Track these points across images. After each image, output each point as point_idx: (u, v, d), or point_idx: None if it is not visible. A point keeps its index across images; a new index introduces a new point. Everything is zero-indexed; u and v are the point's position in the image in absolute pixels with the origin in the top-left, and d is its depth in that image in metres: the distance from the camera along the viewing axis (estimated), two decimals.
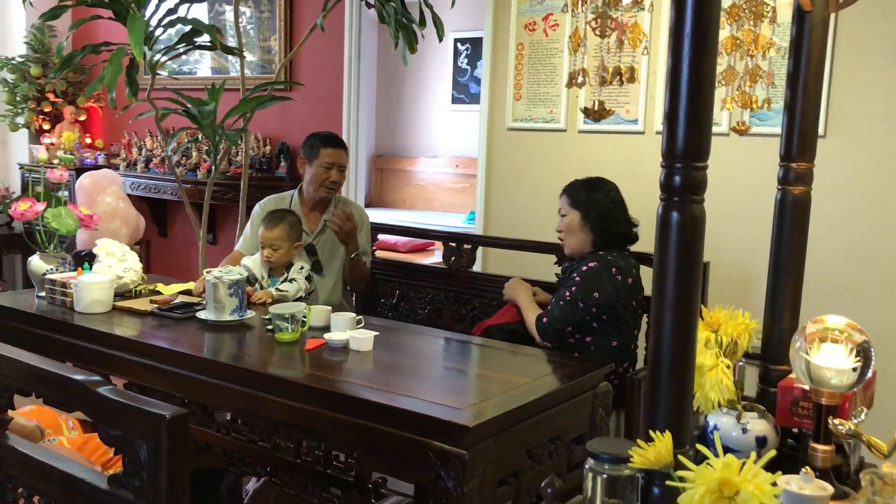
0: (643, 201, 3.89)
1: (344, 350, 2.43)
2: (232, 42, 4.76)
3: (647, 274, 3.13)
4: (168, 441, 1.18)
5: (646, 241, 3.71)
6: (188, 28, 3.45)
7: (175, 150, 4.74)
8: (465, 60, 7.84)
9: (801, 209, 1.67)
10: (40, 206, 2.87)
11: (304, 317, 2.60)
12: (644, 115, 3.83)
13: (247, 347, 2.54)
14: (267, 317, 2.62)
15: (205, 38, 3.53)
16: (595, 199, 2.86)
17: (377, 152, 8.38)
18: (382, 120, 8.35)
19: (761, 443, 1.43)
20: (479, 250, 3.98)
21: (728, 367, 1.39)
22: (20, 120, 5.86)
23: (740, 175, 3.58)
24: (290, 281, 3.10)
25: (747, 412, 1.44)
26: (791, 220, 1.66)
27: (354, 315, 2.62)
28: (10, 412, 2.42)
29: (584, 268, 2.77)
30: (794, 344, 1.34)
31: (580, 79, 1.23)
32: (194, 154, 5.20)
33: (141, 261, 5.66)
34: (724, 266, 3.51)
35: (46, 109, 5.88)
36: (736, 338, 1.43)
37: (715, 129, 3.53)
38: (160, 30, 3.38)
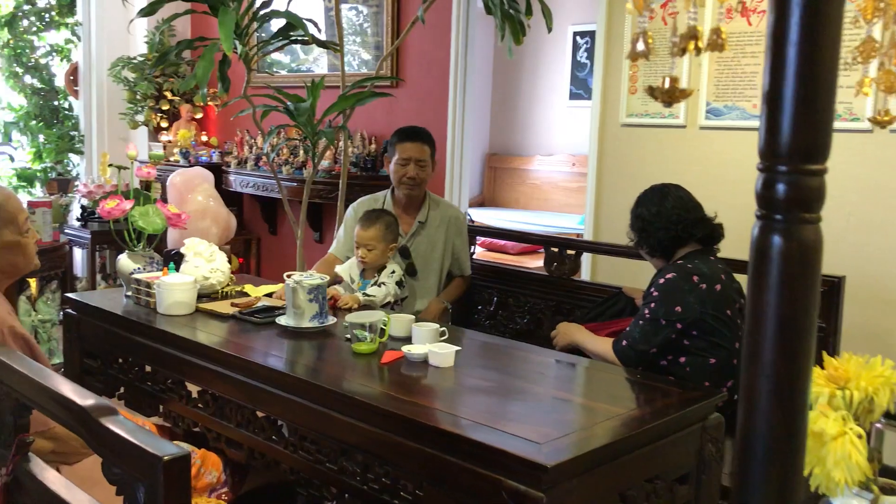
0: None
1: (423, 365, 2.24)
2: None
3: (745, 283, 2.79)
4: (165, 485, 1.01)
5: None
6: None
7: (273, 148, 4.68)
8: (585, 55, 7.51)
9: None
10: (128, 205, 2.82)
11: (384, 325, 2.42)
12: None
13: (321, 359, 2.38)
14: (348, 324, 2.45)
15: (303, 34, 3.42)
16: (636, 215, 2.69)
17: (491, 150, 8.17)
18: (497, 117, 8.13)
19: None
20: (586, 256, 3.71)
21: (860, 435, 1.07)
22: (140, 118, 6.00)
23: (887, 177, 3.15)
24: (380, 285, 2.94)
25: (887, 495, 1.12)
26: None
27: (437, 326, 2.42)
28: None
29: (662, 280, 2.51)
30: None
31: (640, 45, 0.97)
32: (301, 152, 5.15)
33: (251, 258, 5.69)
34: (863, 283, 3.10)
35: (164, 107, 6.00)
36: (872, 393, 1.11)
37: (852, 124, 3.15)
38: (255, 24, 3.29)
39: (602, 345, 2.62)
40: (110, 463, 1.10)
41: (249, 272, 5.90)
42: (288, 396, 2.13)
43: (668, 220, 2.59)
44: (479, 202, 8.07)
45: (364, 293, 2.91)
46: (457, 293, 3.39)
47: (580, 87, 7.54)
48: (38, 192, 6.44)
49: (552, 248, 3.34)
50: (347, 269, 3.07)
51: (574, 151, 7.51)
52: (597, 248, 3.61)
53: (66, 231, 5.66)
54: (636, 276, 3.23)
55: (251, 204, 5.94)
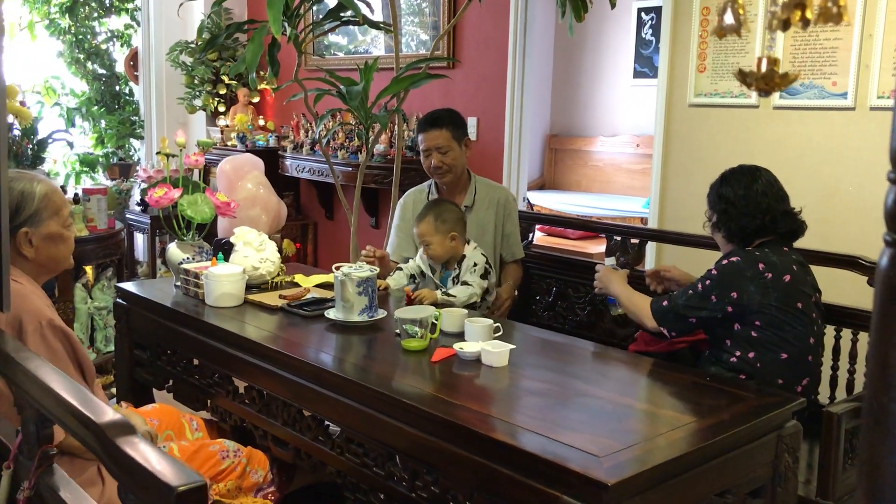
0: (850, 189, 3.28)
1: (476, 363, 2.12)
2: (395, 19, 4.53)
3: (822, 275, 2.58)
4: None
5: (845, 238, 3.12)
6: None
7: (326, 132, 4.59)
8: (650, 31, 7.23)
9: None
10: (176, 193, 2.76)
11: (436, 320, 2.31)
12: (855, 87, 3.20)
13: (370, 356, 2.28)
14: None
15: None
16: (722, 195, 2.45)
17: (552, 131, 7.96)
18: (558, 97, 7.91)
19: None
20: (650, 245, 3.53)
21: None
22: (197, 102, 5.99)
23: None
24: (463, 284, 2.82)
25: None
26: None
27: (491, 322, 2.30)
28: (130, 410, 2.32)
29: (725, 261, 2.36)
30: None
31: (728, 18, 0.82)
32: (356, 137, 5.05)
33: (307, 244, 5.65)
34: None
35: (222, 92, 5.97)
36: None
37: None
38: (305, 5, 3.19)
39: (639, 301, 2.51)
40: (125, 487, 1.01)
41: (306, 257, 5.86)
42: (334, 396, 2.04)
43: (757, 206, 2.39)
44: (540, 185, 7.88)
45: (445, 292, 2.79)
46: (517, 281, 3.26)
47: (645, 65, 7.28)
48: (100, 176, 6.51)
49: (615, 238, 3.17)
50: (427, 262, 2.96)
51: (638, 132, 7.26)
52: (662, 236, 3.43)
53: (126, 216, 5.70)
54: (705, 266, 3.05)
55: (308, 189, 5.89)
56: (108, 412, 1.07)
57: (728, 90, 3.60)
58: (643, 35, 7.31)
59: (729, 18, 0.86)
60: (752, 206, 2.39)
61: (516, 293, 3.24)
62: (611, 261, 2.82)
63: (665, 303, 2.42)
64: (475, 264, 2.87)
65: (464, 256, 2.89)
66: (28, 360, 1.28)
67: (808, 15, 0.77)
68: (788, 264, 2.35)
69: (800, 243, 2.53)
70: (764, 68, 0.80)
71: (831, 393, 2.69)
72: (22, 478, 1.27)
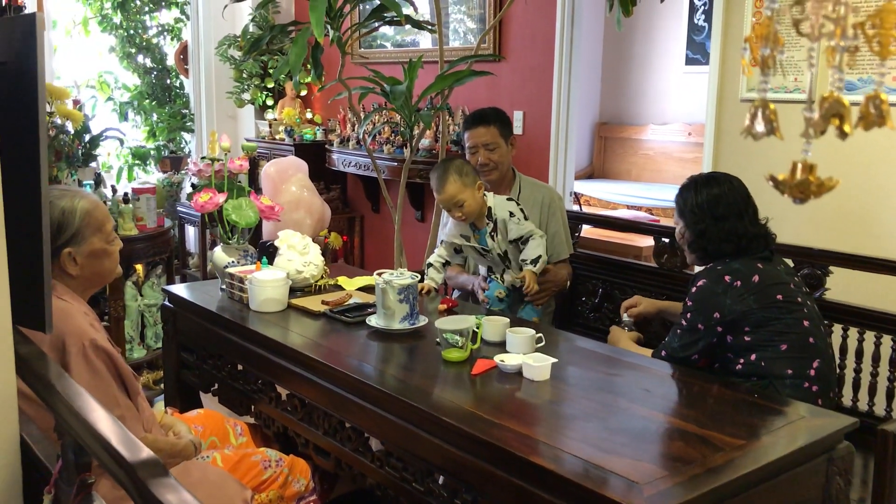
0: None
1: (517, 376, 2.09)
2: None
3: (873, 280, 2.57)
4: None
5: None
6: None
7: (369, 133, 4.58)
8: (703, 17, 7.06)
9: None
10: (221, 198, 2.77)
11: (477, 328, 2.28)
12: None
13: (409, 368, 2.26)
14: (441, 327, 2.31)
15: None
16: (692, 206, 2.47)
17: (601, 119, 7.85)
18: (608, 84, 7.78)
19: None
20: None
21: None
22: (246, 96, 6.03)
23: None
24: (524, 243, 2.79)
25: None
26: None
27: (533, 332, 2.27)
28: (175, 416, 2.35)
29: (694, 289, 2.38)
30: None
31: (759, 126, 0.77)
32: (401, 131, 5.03)
33: (354, 237, 5.66)
34: None
35: (270, 85, 6.01)
36: None
37: None
38: (348, 6, 3.17)
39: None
40: None
41: (353, 250, 5.88)
42: (373, 409, 2.03)
43: (734, 232, 2.41)
44: (588, 174, 7.78)
45: (531, 263, 2.79)
46: (561, 280, 3.21)
47: (697, 52, 7.11)
48: (152, 169, 6.62)
49: (663, 239, 3.10)
50: (457, 234, 2.90)
51: (690, 120, 7.12)
52: None
53: (178, 209, 5.79)
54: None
55: (354, 182, 5.90)
56: (142, 450, 1.07)
57: (782, 85, 3.49)
58: (696, 21, 7.14)
59: (760, 126, 0.81)
60: (728, 233, 2.40)
61: (567, 285, 3.21)
62: (628, 320, 2.80)
63: (663, 353, 2.43)
64: (511, 214, 2.82)
65: (489, 209, 2.84)
66: (68, 388, 1.29)
67: (846, 128, 0.73)
68: (752, 264, 2.36)
69: (863, 246, 2.45)
70: (799, 175, 0.76)
71: (854, 395, 2.66)
72: (63, 503, 1.29)
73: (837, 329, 2.66)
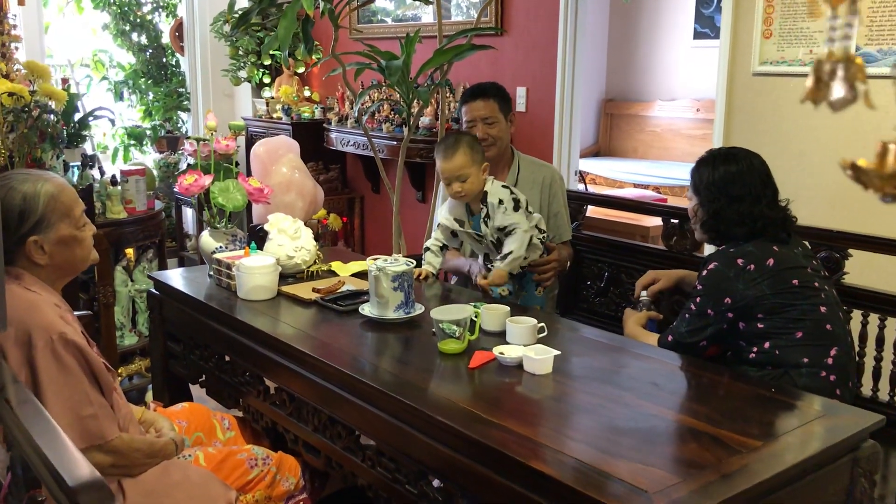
0: None
1: (517, 370, 1.96)
2: None
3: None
4: None
5: None
6: None
7: (364, 111, 4.43)
8: None
9: None
10: (207, 180, 2.64)
11: (475, 317, 2.15)
12: None
13: (404, 360, 2.13)
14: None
15: None
16: (707, 182, 2.33)
17: (607, 96, 7.66)
18: (614, 59, 7.59)
19: None
20: None
21: None
22: (242, 74, 5.87)
23: None
24: (508, 233, 2.60)
25: None
26: None
27: (535, 322, 2.13)
28: (158, 411, 2.23)
29: (705, 272, 2.28)
30: None
31: (838, 90, 0.63)
32: (399, 108, 4.88)
33: (354, 217, 5.51)
34: None
35: (266, 63, 5.85)
36: None
37: None
38: None
39: (648, 340, 2.39)
40: None
41: (353, 231, 5.75)
42: (365, 406, 1.91)
43: (750, 215, 2.27)
44: (595, 151, 7.61)
45: (500, 259, 2.59)
46: (564, 262, 3.08)
47: (706, 26, 6.91)
48: (149, 149, 6.48)
49: (672, 220, 2.96)
50: (451, 217, 2.72)
51: (699, 96, 6.93)
52: None
53: (175, 190, 5.65)
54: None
55: (354, 162, 5.75)
56: (85, 473, 0.94)
57: (796, 58, 3.32)
58: None
59: (840, 90, 0.67)
60: (746, 215, 2.27)
61: (567, 266, 3.07)
62: (646, 299, 2.66)
63: (670, 337, 2.32)
64: (500, 202, 2.60)
65: (485, 193, 2.65)
66: (18, 394, 1.17)
67: None
68: (767, 247, 2.23)
69: (884, 228, 2.30)
70: (892, 163, 0.61)
71: (874, 384, 2.54)
72: None
73: (857, 315, 2.53)
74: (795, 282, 2.19)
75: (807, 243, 2.42)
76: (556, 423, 1.75)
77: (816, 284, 2.22)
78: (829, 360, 2.16)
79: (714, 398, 1.91)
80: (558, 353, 1.97)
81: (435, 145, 2.68)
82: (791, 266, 2.22)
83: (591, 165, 7.01)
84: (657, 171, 6.65)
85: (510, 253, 2.58)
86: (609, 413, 1.75)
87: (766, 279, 2.18)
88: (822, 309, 2.19)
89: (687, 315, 2.29)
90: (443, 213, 2.76)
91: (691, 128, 7.04)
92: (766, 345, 2.20)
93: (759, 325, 2.20)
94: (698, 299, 2.27)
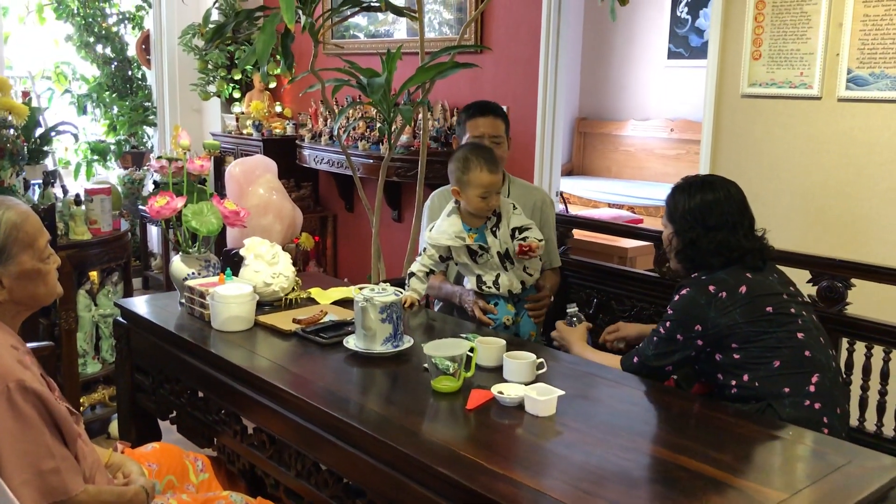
0: None
1: (517, 410, 1.84)
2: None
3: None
4: None
5: None
6: None
7: (344, 129, 4.29)
8: (685, 9, 6.85)
9: None
10: (180, 203, 2.48)
11: (471, 352, 2.02)
12: None
13: (394, 401, 1.99)
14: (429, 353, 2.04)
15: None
16: (683, 210, 2.27)
17: (581, 114, 7.61)
18: (587, 79, 7.55)
19: None
20: None
21: None
22: (211, 88, 5.70)
23: None
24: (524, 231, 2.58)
25: None
26: None
27: (534, 358, 2.01)
28: (126, 453, 2.06)
29: (677, 297, 2.21)
30: None
31: None
32: (378, 127, 4.75)
33: (327, 237, 5.35)
34: None
35: (237, 77, 5.69)
36: None
37: None
38: None
39: (608, 361, 2.33)
40: None
41: (325, 252, 5.59)
42: (352, 451, 1.77)
43: (726, 244, 2.21)
44: (568, 170, 7.54)
45: (526, 272, 2.63)
46: (554, 287, 2.97)
47: (680, 45, 6.90)
48: (113, 165, 6.26)
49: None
50: (450, 234, 2.60)
51: (672, 116, 6.91)
52: None
53: (139, 207, 5.45)
54: None
55: (327, 179, 5.60)
56: None
57: (786, 79, 3.26)
58: (678, 13, 6.92)
59: None
60: (720, 244, 2.20)
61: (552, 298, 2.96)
62: (573, 310, 2.60)
63: (635, 359, 2.25)
64: (514, 207, 2.64)
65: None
66: None
67: None
68: (740, 274, 2.17)
69: (876, 252, 2.23)
70: None
71: (878, 419, 2.46)
72: None
73: (860, 347, 2.44)
74: (769, 309, 2.13)
75: (782, 269, 2.33)
76: (568, 475, 1.59)
77: (792, 310, 2.16)
78: (811, 388, 2.08)
79: (719, 438, 1.76)
80: (562, 392, 1.84)
81: (453, 159, 2.57)
82: (765, 293, 2.15)
83: (566, 184, 6.92)
84: (632, 191, 6.59)
85: (529, 230, 2.57)
86: (625, 464, 1.61)
87: (738, 307, 2.12)
88: (800, 335, 2.12)
89: (655, 338, 2.23)
90: (435, 233, 2.62)
91: (665, 147, 7.01)
92: (745, 377, 2.12)
93: (735, 356, 2.13)
94: (668, 324, 2.20)
